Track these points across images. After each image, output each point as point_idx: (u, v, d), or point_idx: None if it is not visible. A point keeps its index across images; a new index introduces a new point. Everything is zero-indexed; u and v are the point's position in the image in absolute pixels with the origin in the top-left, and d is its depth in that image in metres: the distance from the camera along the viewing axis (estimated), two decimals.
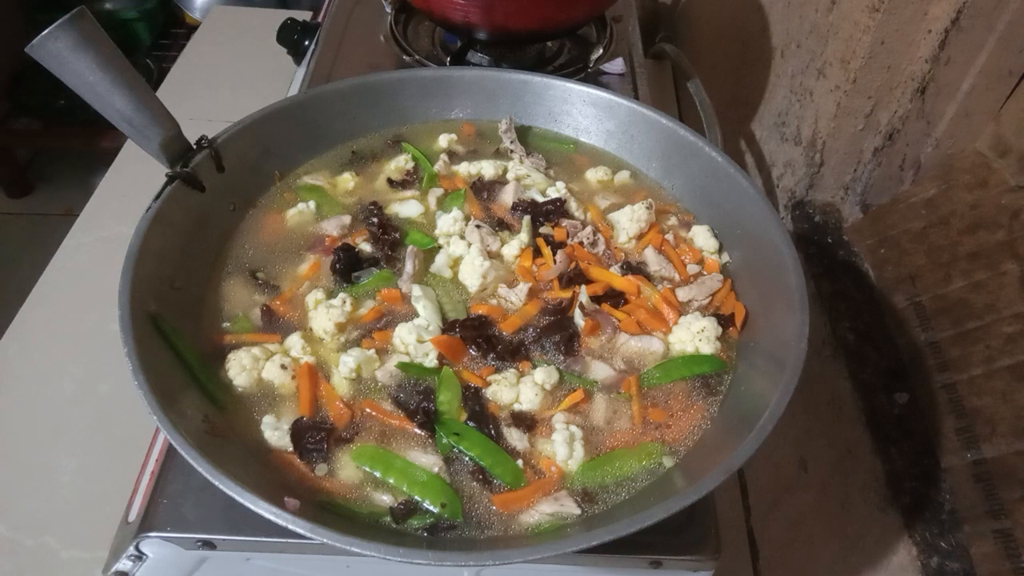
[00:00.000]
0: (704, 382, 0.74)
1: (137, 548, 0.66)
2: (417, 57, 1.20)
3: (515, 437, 0.69)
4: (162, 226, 0.74)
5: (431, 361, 0.73)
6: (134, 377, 0.62)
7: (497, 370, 0.74)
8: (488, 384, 0.72)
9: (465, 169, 0.94)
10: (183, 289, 0.75)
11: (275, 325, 0.77)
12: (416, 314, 0.76)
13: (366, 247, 0.84)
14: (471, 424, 0.69)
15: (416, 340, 0.74)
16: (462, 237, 0.84)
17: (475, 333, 0.75)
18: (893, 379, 0.87)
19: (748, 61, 1.27)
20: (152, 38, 2.68)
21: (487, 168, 0.94)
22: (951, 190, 0.90)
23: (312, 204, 0.88)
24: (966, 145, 0.92)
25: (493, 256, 0.82)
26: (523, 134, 0.99)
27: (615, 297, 0.80)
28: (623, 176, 0.95)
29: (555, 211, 0.88)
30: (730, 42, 1.39)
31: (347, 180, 0.92)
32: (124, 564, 0.67)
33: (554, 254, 0.83)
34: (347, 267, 0.81)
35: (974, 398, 0.77)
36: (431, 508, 0.64)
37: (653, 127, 0.93)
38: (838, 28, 0.97)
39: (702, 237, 0.87)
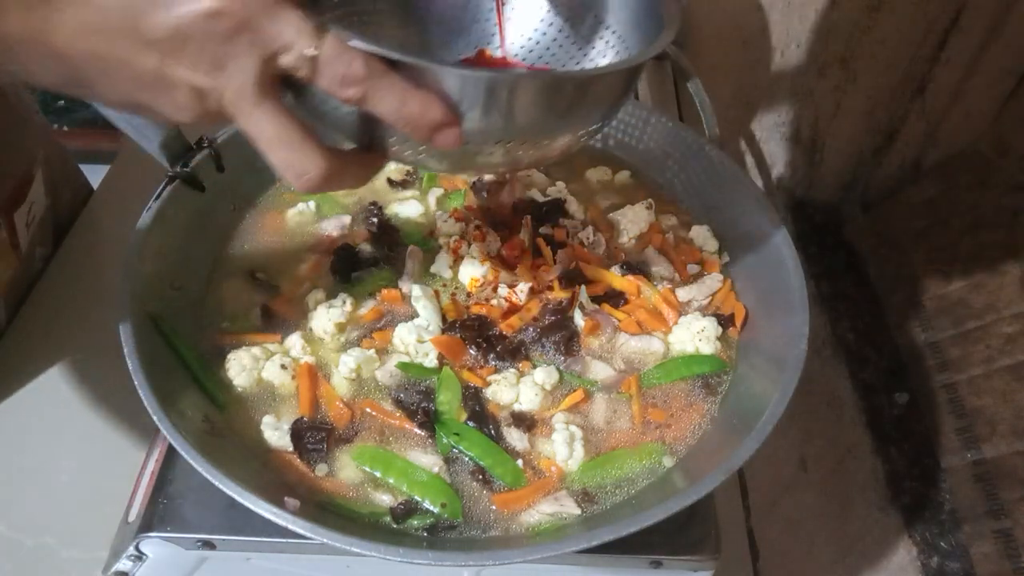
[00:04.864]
0: (704, 382, 0.74)
1: (137, 548, 0.66)
2: None
3: (515, 437, 0.69)
4: (162, 226, 0.74)
5: (431, 361, 0.73)
6: (134, 377, 0.62)
7: (497, 370, 0.74)
8: (488, 384, 0.72)
9: None
10: (183, 289, 0.75)
11: (275, 325, 0.76)
12: (416, 314, 0.76)
13: (366, 247, 0.84)
14: (471, 424, 0.69)
15: (416, 340, 0.74)
16: (462, 237, 0.84)
17: (475, 333, 0.75)
18: (893, 379, 0.87)
19: (748, 61, 1.27)
20: None
21: None
22: (951, 190, 0.90)
23: (312, 204, 0.88)
24: (966, 145, 0.92)
25: (493, 256, 0.82)
26: None
27: (615, 297, 0.80)
28: (623, 176, 0.95)
29: (555, 211, 0.88)
30: (730, 42, 1.39)
31: None
32: (124, 564, 0.67)
33: (554, 254, 0.83)
34: (347, 267, 0.81)
35: (974, 398, 0.77)
36: (431, 508, 0.64)
37: (653, 127, 0.93)
38: (838, 28, 0.97)
39: (702, 237, 0.87)
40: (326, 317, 0.75)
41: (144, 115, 0.47)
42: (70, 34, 0.41)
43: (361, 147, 0.53)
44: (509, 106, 0.49)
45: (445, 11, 0.70)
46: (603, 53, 0.67)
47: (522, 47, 0.70)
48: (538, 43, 0.69)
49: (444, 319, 0.77)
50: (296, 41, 0.42)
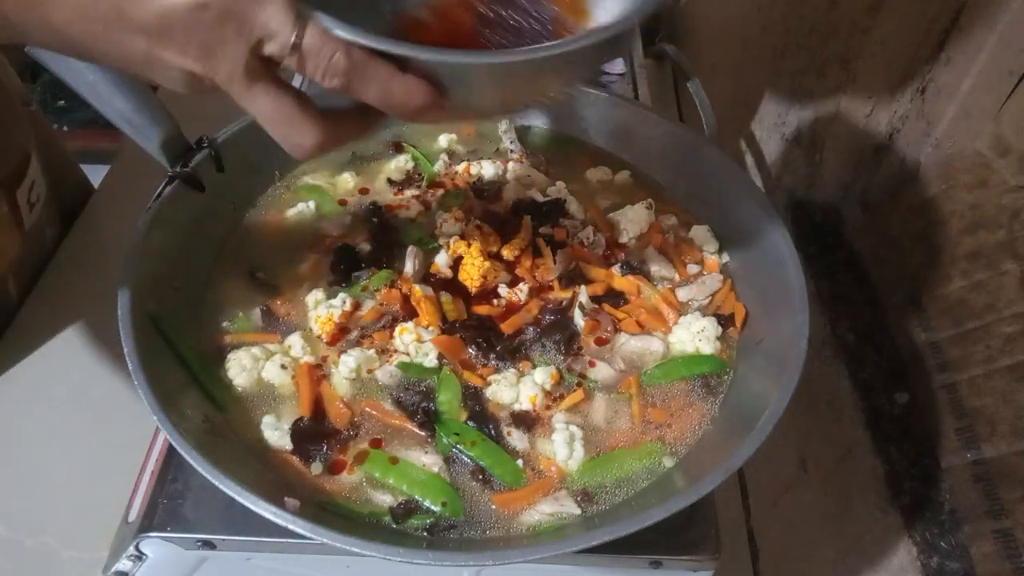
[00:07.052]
0: (704, 382, 0.74)
1: (137, 548, 0.66)
2: None
3: (515, 437, 0.69)
4: (162, 226, 0.74)
5: (431, 361, 0.73)
6: (134, 377, 0.62)
7: (497, 370, 0.73)
8: (488, 384, 0.72)
9: (465, 169, 0.94)
10: (183, 289, 0.75)
11: (275, 325, 0.76)
12: (416, 314, 0.76)
13: (366, 247, 0.84)
14: (471, 424, 0.69)
15: (416, 340, 0.74)
16: (462, 237, 0.84)
17: (475, 333, 0.75)
18: (893, 379, 0.87)
19: (748, 61, 1.27)
20: None
21: (487, 168, 0.94)
22: (951, 190, 0.90)
23: (312, 204, 0.88)
24: (966, 145, 0.92)
25: (493, 256, 0.82)
26: (523, 134, 0.99)
27: (615, 297, 0.80)
28: (623, 176, 0.95)
29: (555, 211, 0.88)
30: (730, 42, 1.39)
31: (347, 180, 0.92)
32: (124, 564, 0.67)
33: (554, 254, 0.83)
34: (347, 267, 0.81)
35: (974, 398, 0.77)
36: (431, 508, 0.64)
37: (653, 127, 0.93)
38: (838, 28, 0.97)
39: (702, 237, 0.87)
40: (326, 317, 0.75)
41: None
42: (64, 17, 0.43)
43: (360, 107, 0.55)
44: (489, 81, 0.52)
45: None
46: None
47: None
48: None
49: (444, 319, 0.77)
50: (280, 31, 0.44)
